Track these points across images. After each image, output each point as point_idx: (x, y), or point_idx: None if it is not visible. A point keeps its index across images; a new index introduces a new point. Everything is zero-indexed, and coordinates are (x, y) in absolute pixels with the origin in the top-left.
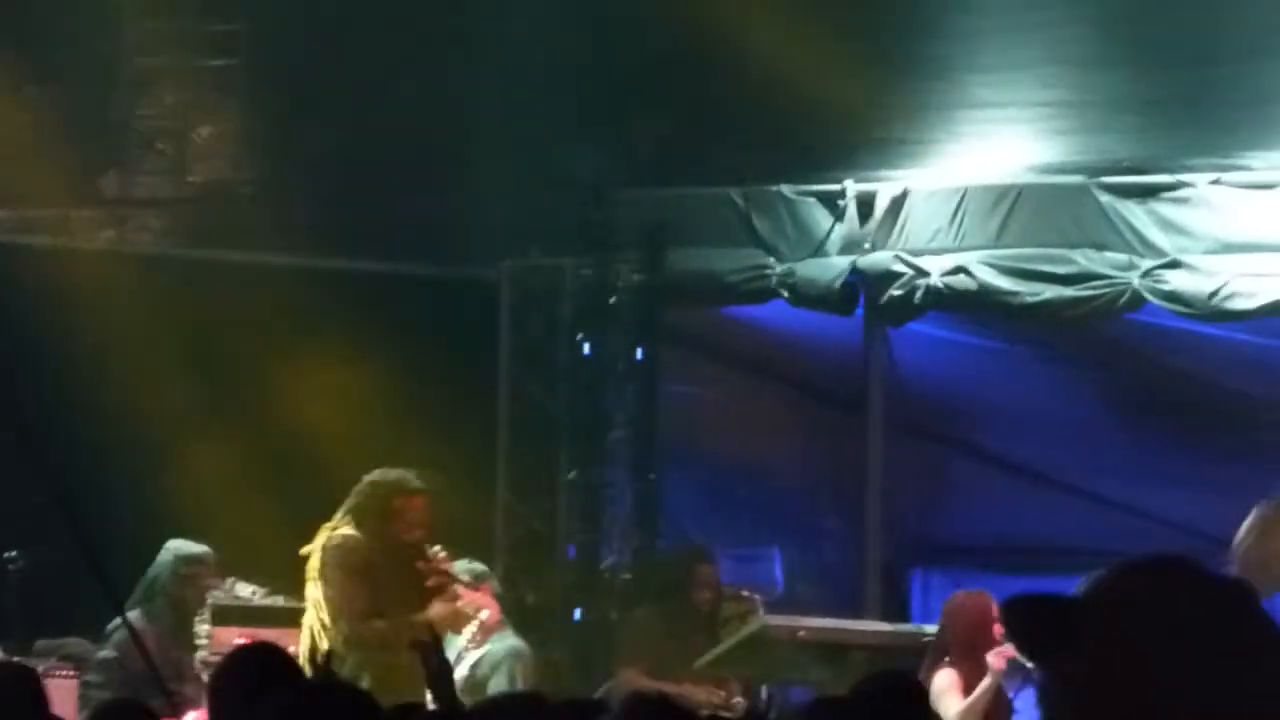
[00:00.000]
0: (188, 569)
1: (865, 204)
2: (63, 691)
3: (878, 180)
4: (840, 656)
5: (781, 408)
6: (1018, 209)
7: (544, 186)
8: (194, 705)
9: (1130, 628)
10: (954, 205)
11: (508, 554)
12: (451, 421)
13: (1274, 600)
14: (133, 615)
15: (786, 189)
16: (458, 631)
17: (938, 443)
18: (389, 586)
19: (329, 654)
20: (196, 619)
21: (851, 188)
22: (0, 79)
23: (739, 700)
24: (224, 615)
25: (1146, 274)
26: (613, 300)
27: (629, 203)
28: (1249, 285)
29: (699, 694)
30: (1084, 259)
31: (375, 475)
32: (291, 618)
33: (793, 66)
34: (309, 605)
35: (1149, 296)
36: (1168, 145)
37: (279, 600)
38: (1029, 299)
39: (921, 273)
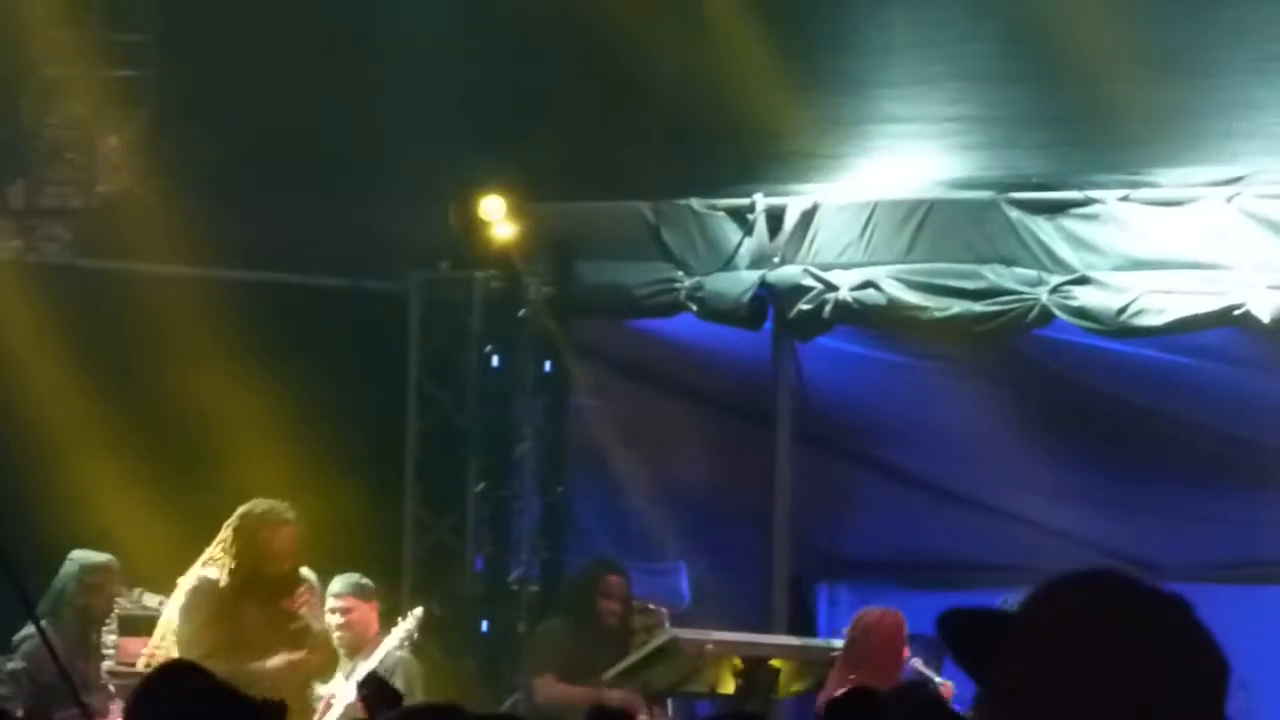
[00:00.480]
0: (93, 578)
1: (775, 218)
2: None
3: (787, 194)
4: (748, 670)
5: (690, 421)
6: (927, 224)
7: (451, 199)
8: (101, 716)
9: (1066, 641)
10: (863, 220)
11: (416, 565)
12: (360, 433)
13: None
14: None
15: (696, 203)
16: (307, 679)
17: (846, 458)
18: (250, 623)
19: None
20: (104, 629)
21: (761, 201)
22: None
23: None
24: (131, 625)
25: (1055, 290)
26: (521, 313)
27: (538, 215)
28: (1157, 302)
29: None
30: (993, 274)
31: (245, 507)
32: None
33: (703, 80)
34: (161, 628)
35: (1057, 312)
36: (1076, 161)
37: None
38: (938, 314)
39: (830, 287)
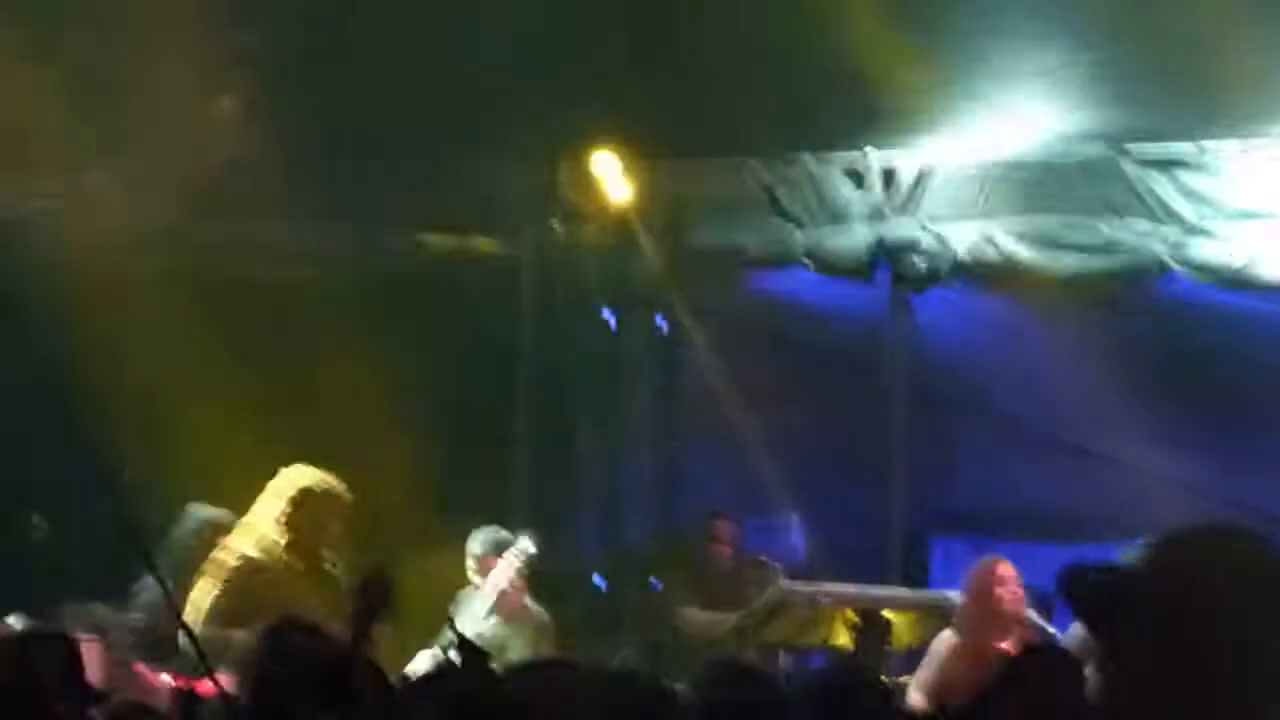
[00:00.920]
0: (210, 533)
1: (888, 173)
2: (89, 657)
3: (901, 149)
4: (862, 623)
5: (804, 377)
6: (1041, 179)
7: (563, 156)
8: None
9: (1191, 598)
10: (977, 175)
11: (529, 524)
12: (472, 394)
13: None
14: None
15: (809, 158)
16: None
17: (960, 411)
18: (289, 601)
19: None
20: None
21: (875, 156)
22: (6, 52)
23: None
24: None
25: (1172, 244)
26: (635, 271)
27: (651, 172)
28: (1273, 254)
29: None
30: (1109, 229)
31: (306, 482)
32: None
33: (815, 35)
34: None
35: (1175, 265)
36: (1192, 114)
37: None
38: (1053, 268)
39: (945, 242)
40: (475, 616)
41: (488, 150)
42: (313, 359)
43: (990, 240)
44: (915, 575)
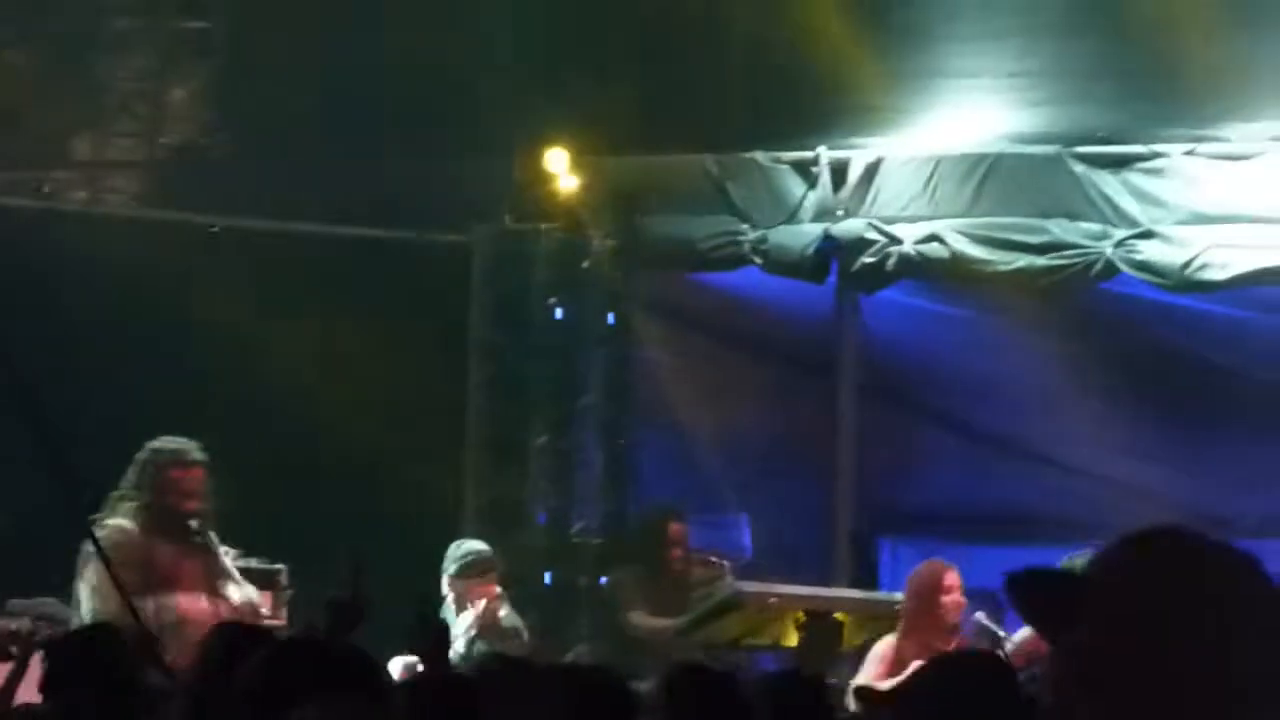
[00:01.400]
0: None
1: (839, 171)
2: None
3: (851, 148)
4: (811, 624)
5: (753, 374)
6: (991, 178)
7: (516, 151)
8: None
9: (1138, 600)
10: (928, 173)
11: (478, 519)
12: (422, 386)
13: None
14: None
15: (760, 156)
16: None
17: (908, 411)
18: (163, 561)
19: None
20: None
21: (825, 155)
22: None
23: None
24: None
25: (1119, 244)
26: (585, 265)
27: (602, 168)
28: (1221, 256)
29: None
30: (1057, 228)
31: (155, 443)
32: (265, 579)
33: (767, 33)
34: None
35: (1122, 266)
36: (1141, 116)
37: (252, 562)
38: (1001, 268)
39: (894, 240)
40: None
41: (441, 144)
42: (262, 350)
43: (939, 239)
44: (863, 576)
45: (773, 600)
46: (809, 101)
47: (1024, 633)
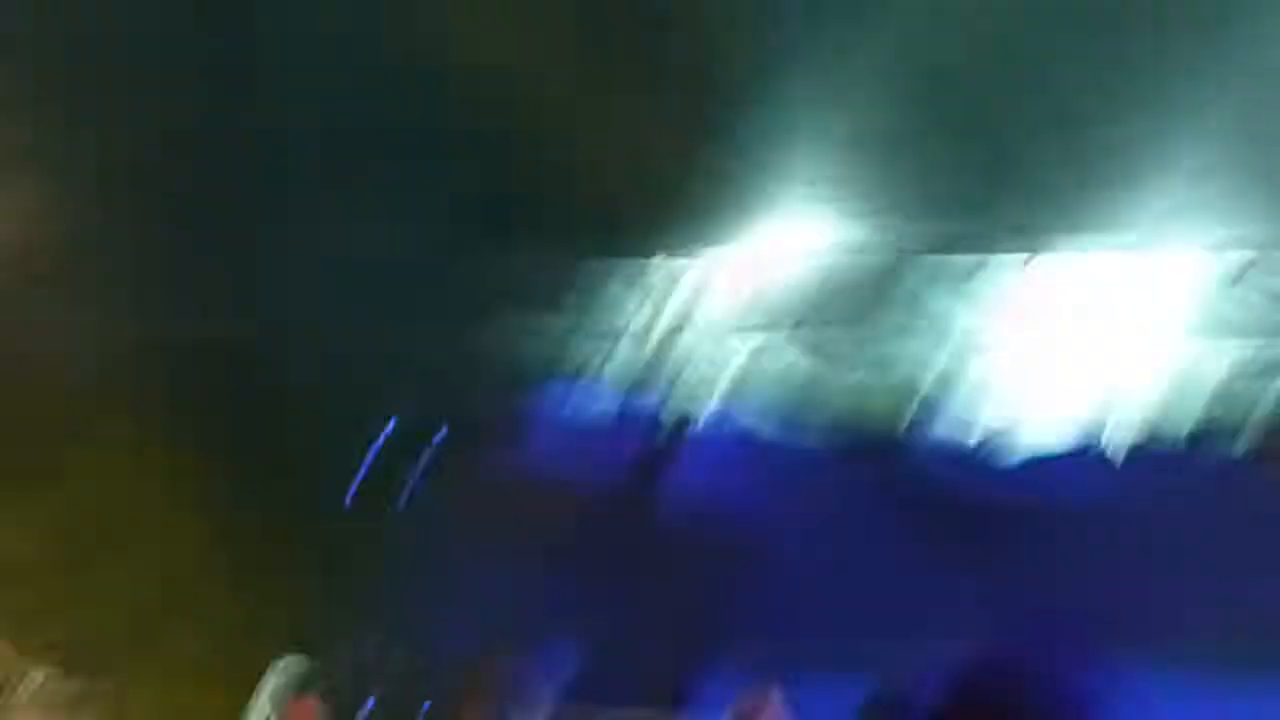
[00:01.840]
0: None
1: (670, 283)
2: None
3: (687, 259)
4: None
5: (574, 493)
6: (825, 287)
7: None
8: None
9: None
10: (761, 283)
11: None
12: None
13: None
14: None
15: (594, 265)
16: None
17: (734, 535)
18: None
19: None
20: None
21: (659, 266)
22: None
23: None
24: None
25: (946, 363)
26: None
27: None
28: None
29: None
30: (890, 345)
31: None
32: None
33: (594, 137)
34: None
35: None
36: (977, 225)
37: None
38: (831, 384)
39: (725, 354)
40: None
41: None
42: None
43: (771, 353)
44: (688, 701)
45: None
46: (644, 211)
47: None
